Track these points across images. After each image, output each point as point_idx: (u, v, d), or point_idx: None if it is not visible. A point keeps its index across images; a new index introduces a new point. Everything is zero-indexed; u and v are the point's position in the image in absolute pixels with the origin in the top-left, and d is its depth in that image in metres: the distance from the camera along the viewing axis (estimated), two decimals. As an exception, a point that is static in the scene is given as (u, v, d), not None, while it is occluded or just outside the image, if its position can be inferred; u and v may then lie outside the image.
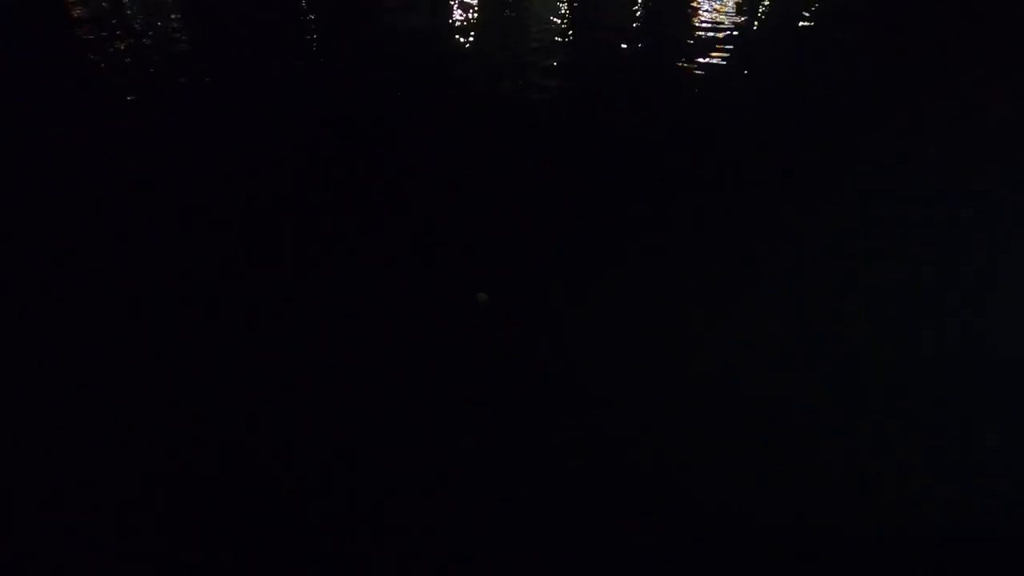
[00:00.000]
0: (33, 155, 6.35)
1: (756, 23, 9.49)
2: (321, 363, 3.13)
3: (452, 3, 10.77)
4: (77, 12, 10.99)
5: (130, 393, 2.94)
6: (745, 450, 2.56)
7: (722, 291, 3.72)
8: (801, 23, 9.98)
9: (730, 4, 10.83)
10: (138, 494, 2.38)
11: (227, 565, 2.11)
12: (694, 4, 11.00)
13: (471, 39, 9.42)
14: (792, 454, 2.54)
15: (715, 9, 10.56)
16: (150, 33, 10.07)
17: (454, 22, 10.13)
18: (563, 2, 10.82)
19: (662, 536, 2.20)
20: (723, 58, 8.50)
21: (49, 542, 2.19)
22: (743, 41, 9.29)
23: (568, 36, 9.54)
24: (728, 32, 9.71)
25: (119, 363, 3.17)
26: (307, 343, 3.29)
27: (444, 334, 3.34)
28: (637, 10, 10.80)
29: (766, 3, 10.90)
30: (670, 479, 2.42)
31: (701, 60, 8.45)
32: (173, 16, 11.03)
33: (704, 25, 10.10)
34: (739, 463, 2.49)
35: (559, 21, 10.15)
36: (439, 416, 2.75)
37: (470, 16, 10.34)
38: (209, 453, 2.58)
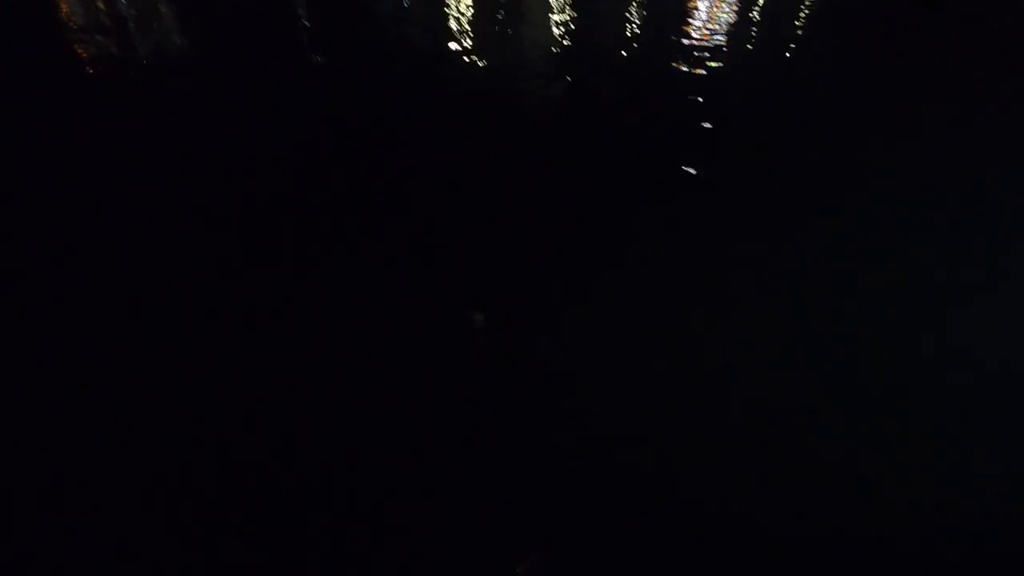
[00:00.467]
0: (33, 155, 6.35)
1: (754, 26, 9.50)
2: (321, 363, 3.13)
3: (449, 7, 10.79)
4: (74, 15, 11.00)
5: (130, 393, 2.94)
6: (745, 450, 2.56)
7: (722, 291, 3.72)
8: (799, 26, 9.99)
9: (728, 6, 10.83)
10: (138, 494, 2.38)
11: (227, 565, 2.11)
12: (692, 5, 11.02)
13: (470, 42, 9.43)
14: (792, 454, 2.54)
15: (714, 5, 10.60)
16: (150, 33, 10.08)
17: (452, 25, 10.14)
18: (560, 6, 10.84)
19: (662, 536, 2.20)
20: (723, 59, 8.50)
21: (49, 542, 2.19)
22: (742, 42, 9.30)
23: (568, 38, 9.54)
24: (728, 32, 9.72)
25: (119, 363, 3.17)
26: (307, 343, 3.29)
27: (444, 334, 3.34)
28: (635, 13, 10.80)
29: (762, 3, 10.93)
30: (670, 479, 2.42)
31: (701, 61, 8.45)
32: (172, 18, 11.04)
33: (704, 26, 10.11)
34: (739, 463, 2.50)
35: (557, 24, 10.16)
36: (439, 416, 2.75)
37: (468, 20, 10.36)
38: (209, 452, 2.58)
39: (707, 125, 6.65)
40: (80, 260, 4.25)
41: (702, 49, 8.99)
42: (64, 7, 11.30)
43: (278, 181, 5.57)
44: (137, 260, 4.22)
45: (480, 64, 8.52)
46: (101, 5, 11.41)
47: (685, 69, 8.30)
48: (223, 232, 4.61)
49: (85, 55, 9.26)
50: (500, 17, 10.54)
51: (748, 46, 9.09)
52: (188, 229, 4.67)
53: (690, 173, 5.59)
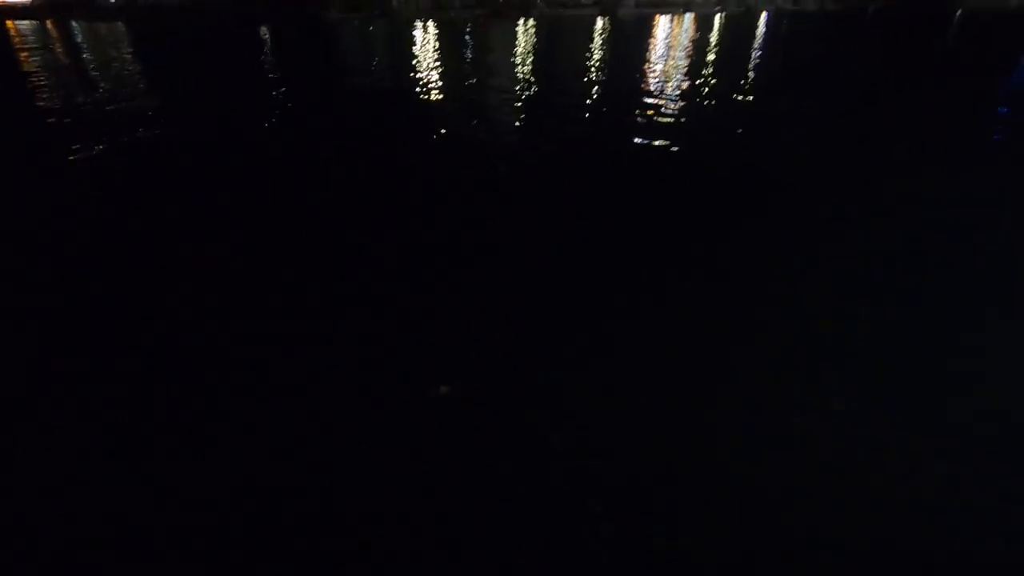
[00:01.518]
0: (33, 153, 6.36)
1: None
2: (321, 362, 3.13)
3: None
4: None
5: (130, 393, 2.94)
6: (745, 450, 2.55)
7: (722, 291, 3.72)
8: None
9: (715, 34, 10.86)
10: (137, 494, 2.38)
11: (228, 564, 2.11)
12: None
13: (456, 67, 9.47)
14: (792, 453, 2.54)
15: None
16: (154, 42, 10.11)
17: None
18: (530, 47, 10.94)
19: (662, 536, 2.19)
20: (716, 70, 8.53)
21: (49, 541, 2.19)
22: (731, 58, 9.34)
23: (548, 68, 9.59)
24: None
25: (119, 363, 3.16)
26: (307, 343, 3.29)
27: (444, 334, 3.34)
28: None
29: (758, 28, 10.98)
30: (670, 479, 2.42)
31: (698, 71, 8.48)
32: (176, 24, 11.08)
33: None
34: (740, 462, 2.49)
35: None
36: (439, 416, 2.75)
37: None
38: (208, 452, 2.58)
39: (704, 130, 6.67)
40: (79, 261, 4.26)
41: (693, 65, 9.02)
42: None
43: (278, 181, 5.58)
44: (137, 261, 4.22)
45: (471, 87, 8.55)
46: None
47: (684, 72, 8.33)
48: (224, 232, 4.62)
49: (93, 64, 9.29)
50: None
51: (736, 60, 9.13)
52: (188, 230, 4.68)
53: (691, 176, 5.60)
